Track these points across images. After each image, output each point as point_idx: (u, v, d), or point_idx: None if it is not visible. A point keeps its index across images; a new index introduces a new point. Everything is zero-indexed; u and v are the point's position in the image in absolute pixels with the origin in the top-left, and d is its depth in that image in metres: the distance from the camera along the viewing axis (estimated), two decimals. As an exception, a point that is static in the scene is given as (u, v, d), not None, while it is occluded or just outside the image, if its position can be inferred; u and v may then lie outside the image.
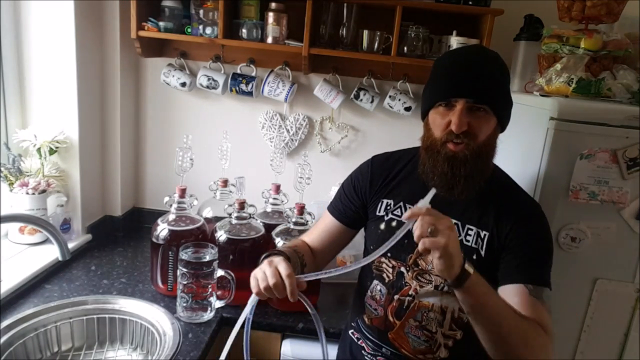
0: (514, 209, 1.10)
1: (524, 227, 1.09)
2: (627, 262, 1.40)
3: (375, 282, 1.21)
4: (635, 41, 1.57)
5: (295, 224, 1.49)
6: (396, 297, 1.17)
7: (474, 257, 1.10)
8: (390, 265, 1.18)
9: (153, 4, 1.76)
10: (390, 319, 1.18)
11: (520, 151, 1.49)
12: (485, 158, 1.07)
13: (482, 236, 1.10)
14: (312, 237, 1.29)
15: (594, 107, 1.35)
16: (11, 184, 1.60)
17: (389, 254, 1.17)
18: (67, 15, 1.60)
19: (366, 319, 1.23)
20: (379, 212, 1.21)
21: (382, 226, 1.20)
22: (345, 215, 1.27)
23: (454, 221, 1.04)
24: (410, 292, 1.15)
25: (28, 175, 1.64)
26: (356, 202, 1.25)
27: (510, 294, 1.04)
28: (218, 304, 1.47)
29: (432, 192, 0.97)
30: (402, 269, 1.16)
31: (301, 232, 1.49)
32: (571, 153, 1.34)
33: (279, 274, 1.00)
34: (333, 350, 1.47)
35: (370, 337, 1.22)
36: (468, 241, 1.11)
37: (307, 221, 1.50)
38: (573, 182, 1.35)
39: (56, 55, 1.64)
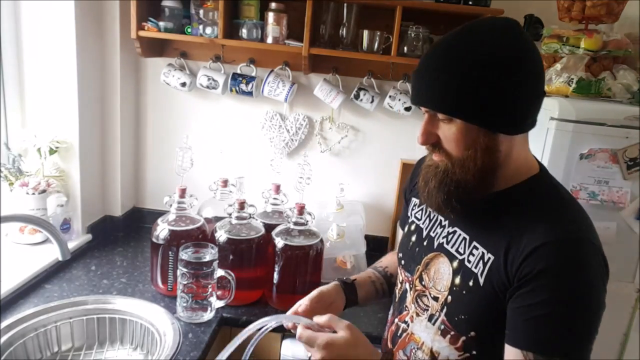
0: (538, 231, 0.82)
1: (543, 258, 0.79)
2: (627, 262, 1.40)
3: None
4: (635, 41, 1.57)
5: (295, 224, 1.49)
6: (396, 320, 1.05)
7: (471, 283, 0.88)
8: (400, 279, 1.07)
9: (153, 4, 1.76)
10: (389, 344, 1.06)
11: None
12: (462, 175, 0.86)
13: (486, 260, 0.87)
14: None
15: (594, 107, 1.35)
16: (11, 184, 1.60)
17: (402, 262, 1.06)
18: (67, 15, 1.60)
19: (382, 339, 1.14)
20: (408, 212, 1.12)
21: (405, 229, 1.11)
22: (404, 222, 1.18)
23: (463, 235, 0.94)
24: (406, 319, 1.01)
25: (28, 175, 1.64)
26: (405, 205, 1.19)
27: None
28: (218, 304, 1.47)
29: None
30: (407, 285, 1.03)
31: (301, 232, 1.49)
32: (571, 153, 1.34)
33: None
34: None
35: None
36: (470, 262, 0.90)
37: (307, 221, 1.50)
38: (573, 182, 1.35)
39: (56, 55, 1.64)
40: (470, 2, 1.64)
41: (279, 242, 1.48)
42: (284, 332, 1.49)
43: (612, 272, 1.40)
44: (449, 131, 0.85)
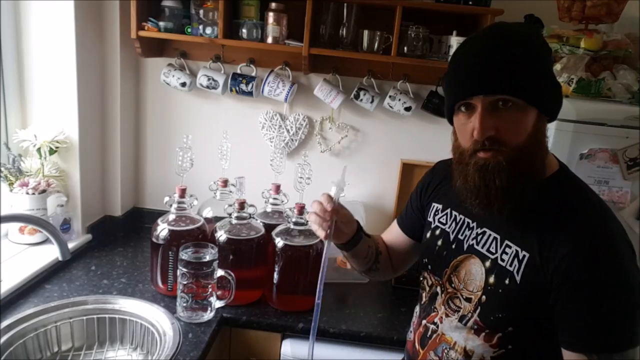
0: (572, 228, 0.85)
1: (585, 261, 0.82)
2: (627, 262, 1.40)
3: (417, 302, 1.12)
4: (635, 41, 1.57)
5: (295, 224, 1.49)
6: (424, 322, 1.05)
7: (507, 281, 0.89)
8: (430, 282, 1.06)
9: (153, 4, 1.76)
10: (417, 346, 1.06)
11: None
12: (530, 162, 0.86)
13: (521, 257, 0.88)
14: (384, 237, 1.27)
15: (594, 107, 1.35)
16: (11, 184, 1.60)
17: (429, 267, 1.06)
18: (67, 15, 1.60)
19: (407, 342, 1.14)
20: (429, 217, 1.11)
21: (428, 234, 1.09)
22: (405, 223, 1.22)
23: (493, 235, 0.94)
24: (435, 320, 1.02)
25: (28, 175, 1.64)
26: (416, 208, 1.18)
27: None
28: (218, 304, 1.47)
29: (336, 191, 0.99)
30: (438, 289, 1.03)
31: (301, 232, 1.49)
32: (571, 153, 1.34)
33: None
34: (329, 349, 1.47)
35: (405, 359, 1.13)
36: (503, 260, 0.90)
37: (307, 221, 1.50)
38: (573, 182, 1.35)
39: (56, 55, 1.64)
40: (470, 2, 1.64)
41: (279, 242, 1.48)
42: (284, 332, 1.49)
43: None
44: (520, 120, 0.85)
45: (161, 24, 1.72)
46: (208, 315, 1.43)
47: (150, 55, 1.85)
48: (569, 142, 1.33)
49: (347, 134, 1.96)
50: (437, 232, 1.07)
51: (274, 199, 1.67)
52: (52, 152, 1.65)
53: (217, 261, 1.41)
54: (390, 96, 1.82)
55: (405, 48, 1.71)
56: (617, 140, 1.32)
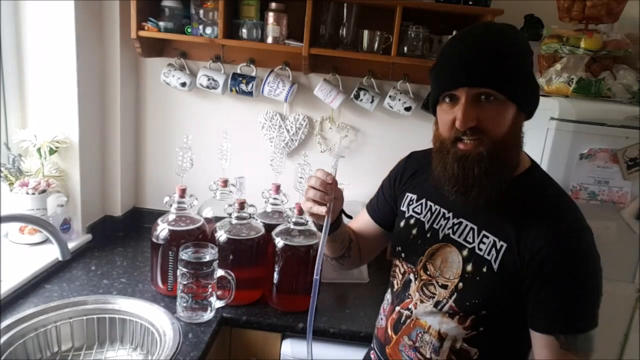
0: (546, 222, 0.92)
1: (559, 253, 0.90)
2: (627, 262, 1.40)
3: (388, 289, 1.16)
4: (635, 41, 1.57)
5: (295, 224, 1.49)
6: (397, 308, 1.08)
7: (484, 269, 0.95)
8: (402, 270, 1.10)
9: (153, 4, 1.76)
10: (389, 332, 1.10)
11: (520, 151, 1.49)
12: (506, 154, 0.92)
13: (499, 247, 0.94)
14: (352, 225, 1.27)
15: (594, 107, 1.35)
16: (11, 184, 1.60)
17: (403, 255, 1.09)
18: (67, 15, 1.60)
19: (376, 329, 1.18)
20: (403, 206, 1.14)
21: (402, 223, 1.12)
22: (376, 211, 1.24)
23: (470, 225, 0.99)
24: (409, 306, 1.06)
25: (28, 175, 1.64)
26: (388, 197, 1.21)
27: (540, 346, 0.93)
28: (218, 304, 1.47)
29: (335, 160, 0.98)
30: (411, 276, 1.07)
31: (301, 232, 1.49)
32: (571, 153, 1.34)
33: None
34: (329, 349, 1.47)
35: (376, 348, 1.16)
36: (481, 249, 0.96)
37: (307, 221, 1.50)
38: (573, 182, 1.35)
39: (56, 55, 1.64)
40: (471, 2, 1.64)
41: (279, 242, 1.48)
42: (283, 332, 1.49)
43: (612, 272, 1.41)
44: (500, 113, 0.90)
45: (161, 24, 1.72)
46: (208, 315, 1.43)
47: (150, 55, 1.85)
48: (569, 142, 1.33)
49: (347, 134, 1.96)
50: (412, 221, 1.10)
51: (274, 199, 1.67)
52: (52, 152, 1.65)
53: (217, 261, 1.41)
54: (390, 96, 1.82)
55: (405, 48, 1.71)
56: (617, 140, 1.32)
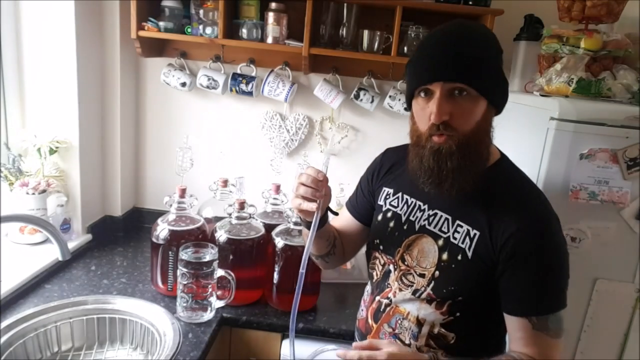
0: (517, 210, 0.97)
1: (529, 240, 0.95)
2: (627, 262, 1.40)
3: (368, 280, 1.20)
4: (635, 41, 1.57)
5: (295, 224, 1.49)
6: (377, 298, 1.13)
7: (459, 257, 1.00)
8: (382, 261, 1.14)
9: (153, 4, 1.76)
10: (370, 321, 1.14)
11: (520, 151, 1.49)
12: (476, 147, 0.97)
13: (472, 235, 1.00)
14: (334, 224, 1.29)
15: (594, 107, 1.35)
16: (11, 184, 1.60)
17: (381, 247, 1.13)
18: (67, 15, 1.60)
19: (357, 320, 1.23)
20: (380, 200, 1.18)
21: (380, 217, 1.16)
22: (356, 208, 1.26)
23: (444, 216, 1.04)
24: (389, 295, 1.10)
25: (28, 175, 1.64)
26: (367, 193, 1.24)
27: (514, 328, 0.99)
28: (218, 304, 1.47)
29: (327, 158, 1.00)
30: (390, 267, 1.11)
31: (301, 232, 1.49)
32: (571, 153, 1.34)
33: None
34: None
35: (358, 339, 1.19)
36: (455, 238, 1.02)
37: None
38: (573, 182, 1.35)
39: (56, 55, 1.64)
40: (470, 2, 1.64)
41: (279, 242, 1.48)
42: (283, 332, 1.49)
43: (612, 272, 1.40)
44: (472, 108, 0.94)
45: (161, 24, 1.72)
46: (208, 315, 1.43)
47: (150, 55, 1.85)
48: (569, 142, 1.33)
49: (347, 134, 1.96)
50: (389, 214, 1.14)
51: (274, 199, 1.67)
52: (52, 152, 1.65)
53: (217, 261, 1.41)
54: (390, 96, 1.82)
55: (405, 48, 1.71)
56: (617, 140, 1.32)
